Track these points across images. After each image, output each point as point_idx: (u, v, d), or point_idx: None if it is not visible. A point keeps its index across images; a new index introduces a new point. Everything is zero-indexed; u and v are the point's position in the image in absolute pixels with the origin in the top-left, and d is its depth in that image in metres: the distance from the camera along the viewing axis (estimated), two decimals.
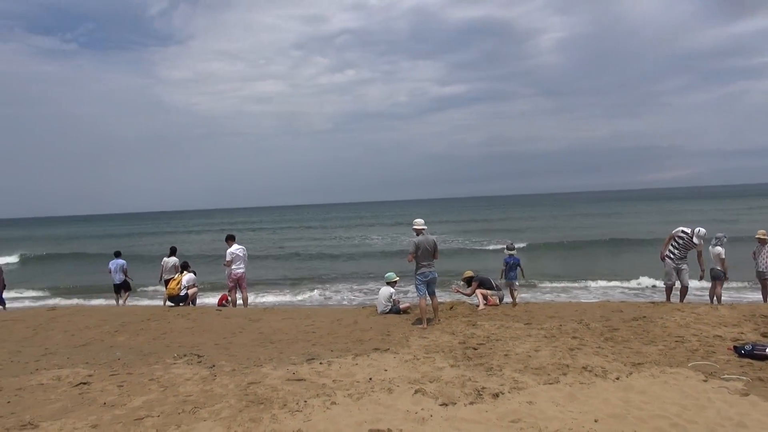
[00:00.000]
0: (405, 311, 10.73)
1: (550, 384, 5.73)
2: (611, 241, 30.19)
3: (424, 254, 9.22)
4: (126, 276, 15.13)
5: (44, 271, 28.95)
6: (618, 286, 17.53)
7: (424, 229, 9.37)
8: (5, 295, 15.13)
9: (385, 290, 10.92)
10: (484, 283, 11.28)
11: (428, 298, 9.44)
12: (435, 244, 9.38)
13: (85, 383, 6.26)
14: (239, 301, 13.14)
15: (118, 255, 15.40)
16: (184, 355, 7.57)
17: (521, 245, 29.98)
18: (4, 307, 14.49)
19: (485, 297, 11.00)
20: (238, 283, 13.01)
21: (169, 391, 5.82)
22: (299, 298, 18.66)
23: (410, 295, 14.41)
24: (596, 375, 6.01)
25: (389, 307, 10.73)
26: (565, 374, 6.06)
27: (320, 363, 6.87)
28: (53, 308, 13.56)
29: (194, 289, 13.30)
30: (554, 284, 18.09)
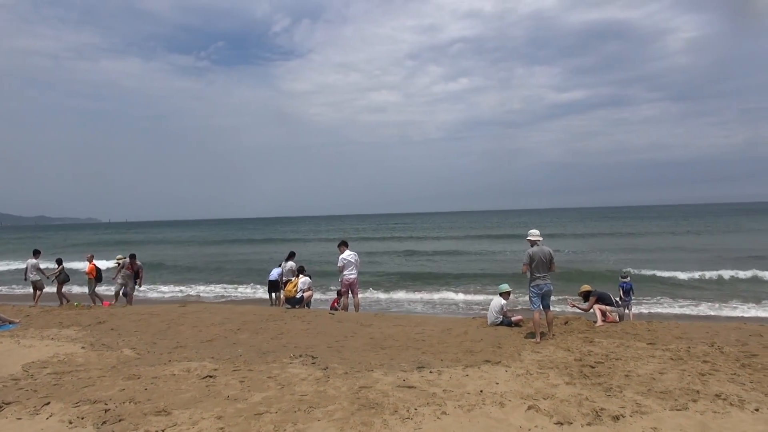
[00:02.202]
0: (517, 324, 10.44)
1: (678, 410, 5.31)
2: (750, 259, 27.49)
3: (540, 266, 8.93)
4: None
5: (178, 271, 31.49)
6: (753, 307, 15.86)
7: (539, 240, 9.09)
8: (143, 288, 16.64)
9: (497, 301, 10.68)
10: (603, 299, 10.71)
11: (542, 311, 9.12)
12: (551, 255, 9.06)
13: (211, 376, 6.71)
14: (350, 306, 13.48)
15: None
16: (300, 356, 7.88)
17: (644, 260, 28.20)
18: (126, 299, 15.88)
19: (604, 313, 10.45)
20: (351, 288, 13.36)
21: (286, 390, 6.08)
22: (409, 301, 18.81)
23: (521, 306, 14.03)
24: (731, 404, 5.48)
25: (500, 318, 10.49)
26: (695, 401, 5.58)
27: (430, 372, 6.87)
28: (183, 305, 14.69)
29: (310, 293, 13.84)
30: (680, 302, 16.76)
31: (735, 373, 6.67)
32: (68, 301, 16.45)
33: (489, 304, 10.98)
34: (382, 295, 19.77)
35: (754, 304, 15.95)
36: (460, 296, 18.98)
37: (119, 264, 15.83)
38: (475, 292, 19.50)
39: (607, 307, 10.59)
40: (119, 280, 15.69)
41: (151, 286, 23.29)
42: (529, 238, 9.16)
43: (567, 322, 10.36)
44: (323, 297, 18.10)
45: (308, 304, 13.89)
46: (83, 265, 17.50)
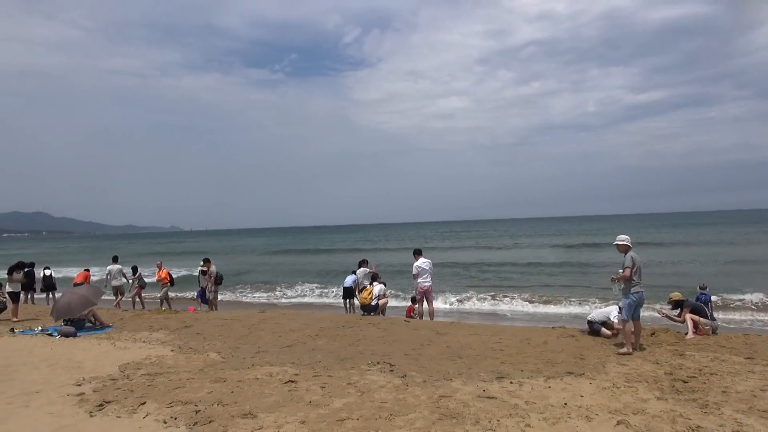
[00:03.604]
0: (607, 336, 9.98)
1: None
2: None
3: (638, 272, 8.56)
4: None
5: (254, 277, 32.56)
6: None
7: (630, 246, 8.75)
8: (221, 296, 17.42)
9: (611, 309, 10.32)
10: (696, 310, 10.12)
11: (633, 322, 8.69)
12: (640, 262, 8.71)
13: (292, 381, 6.86)
14: (425, 314, 13.45)
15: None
16: (377, 363, 7.92)
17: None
18: (209, 307, 16.52)
19: (696, 325, 9.87)
20: (425, 296, 13.34)
21: (366, 396, 6.12)
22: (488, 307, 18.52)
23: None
24: None
25: (596, 325, 10.15)
26: None
27: (510, 382, 6.72)
28: (263, 311, 15.14)
29: (384, 300, 13.91)
30: None
31: None
32: (143, 306, 17.48)
33: (562, 315, 10.65)
34: (449, 306, 19.47)
35: None
36: (530, 307, 18.42)
37: (204, 272, 16.52)
38: (547, 302, 18.86)
39: (701, 319, 10.00)
40: (211, 288, 16.44)
41: (231, 293, 24.20)
42: (626, 242, 8.77)
43: (654, 333, 9.87)
44: (397, 305, 18.14)
45: (383, 312, 13.97)
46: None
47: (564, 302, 18.40)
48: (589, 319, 10.42)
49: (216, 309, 16.52)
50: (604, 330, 10.01)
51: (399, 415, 5.44)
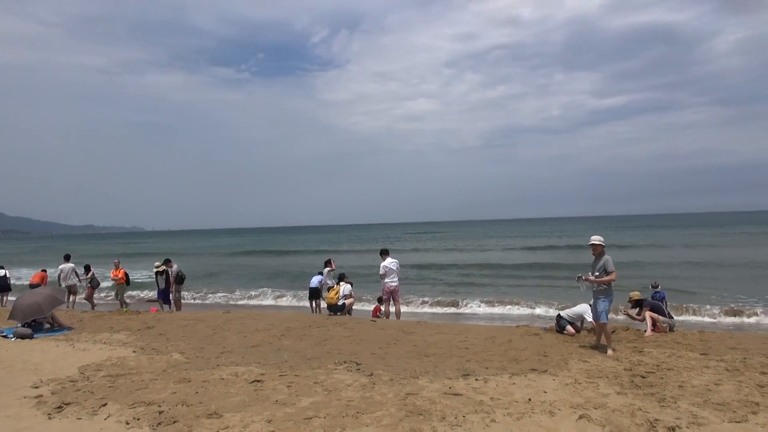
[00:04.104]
0: (570, 334, 10.20)
1: (737, 422, 5.13)
2: None
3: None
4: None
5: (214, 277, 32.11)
6: None
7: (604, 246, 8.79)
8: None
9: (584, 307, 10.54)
10: (655, 308, 10.44)
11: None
12: None
13: (258, 381, 6.81)
14: (392, 313, 13.50)
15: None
16: (344, 362, 7.92)
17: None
18: (170, 307, 16.27)
19: (654, 323, 10.17)
20: (392, 296, 13.39)
21: (333, 395, 6.12)
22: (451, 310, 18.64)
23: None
24: None
25: (565, 322, 10.38)
26: (755, 413, 5.38)
27: (476, 379, 6.81)
28: (228, 311, 14.95)
29: (351, 300, 13.91)
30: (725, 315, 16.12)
31: None
32: (93, 307, 17.09)
33: (527, 316, 10.83)
34: (415, 309, 19.38)
35: None
36: (496, 309, 18.46)
37: (160, 272, 16.25)
38: (511, 303, 18.92)
39: (660, 317, 10.31)
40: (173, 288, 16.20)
41: (194, 295, 23.80)
42: (602, 243, 8.70)
43: (614, 331, 10.10)
44: (361, 308, 18.14)
45: (350, 311, 13.97)
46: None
47: (528, 303, 18.61)
48: (560, 314, 10.59)
49: (180, 309, 16.26)
50: (569, 327, 10.23)
51: (366, 413, 5.46)
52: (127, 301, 17.87)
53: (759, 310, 15.75)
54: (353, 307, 14.40)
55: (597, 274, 8.51)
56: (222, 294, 24.08)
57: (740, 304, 17.15)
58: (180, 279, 16.37)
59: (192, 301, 22.49)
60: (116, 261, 18.07)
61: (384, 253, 13.63)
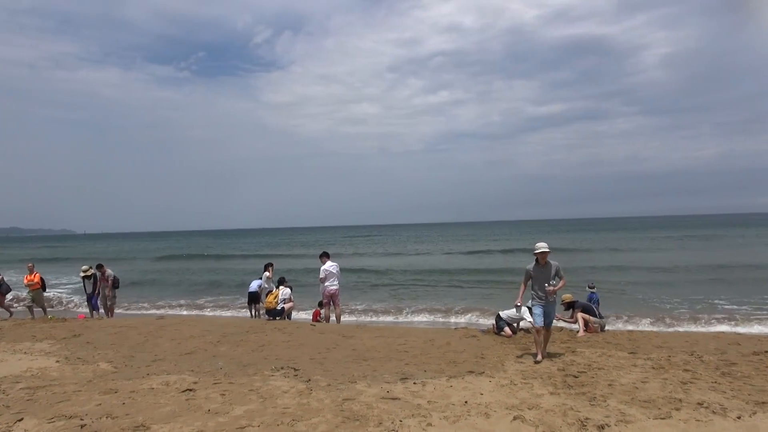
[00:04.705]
0: (507, 335, 10.40)
1: (662, 419, 5.33)
2: (719, 268, 27.90)
3: None
4: None
5: (149, 283, 30.98)
6: (728, 311, 15.94)
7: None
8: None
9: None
10: (586, 309, 10.79)
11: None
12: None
13: (191, 390, 6.56)
14: (332, 318, 13.38)
15: None
16: (281, 368, 7.76)
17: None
18: (97, 312, 15.56)
19: (586, 323, 10.51)
20: (332, 300, 13.26)
21: (268, 403, 5.97)
22: (389, 318, 18.57)
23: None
24: (714, 412, 5.52)
25: (503, 323, 10.57)
26: (678, 409, 5.61)
27: (414, 383, 6.81)
28: (161, 318, 14.43)
29: (290, 304, 13.69)
30: (658, 313, 16.86)
31: (716, 382, 6.74)
32: (11, 313, 16.05)
33: (466, 318, 10.96)
34: (353, 317, 19.04)
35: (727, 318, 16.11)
36: (438, 316, 18.32)
37: (88, 277, 15.51)
38: (449, 309, 18.85)
39: (591, 318, 10.65)
40: (109, 293, 15.46)
41: (125, 302, 22.75)
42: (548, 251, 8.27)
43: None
44: (301, 315, 17.87)
45: (289, 316, 13.75)
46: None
47: (467, 306, 18.74)
48: (500, 314, 10.73)
49: (112, 316, 15.56)
50: (506, 329, 10.42)
51: (302, 420, 5.34)
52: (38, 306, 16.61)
53: (683, 310, 16.55)
54: (293, 311, 14.17)
55: (554, 282, 8.26)
56: (155, 300, 23.14)
57: (666, 305, 17.96)
58: (115, 284, 15.68)
59: (121, 311, 21.45)
60: (30, 265, 16.84)
61: (324, 257, 13.50)
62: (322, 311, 13.67)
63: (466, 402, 5.92)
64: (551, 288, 8.14)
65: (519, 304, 8.73)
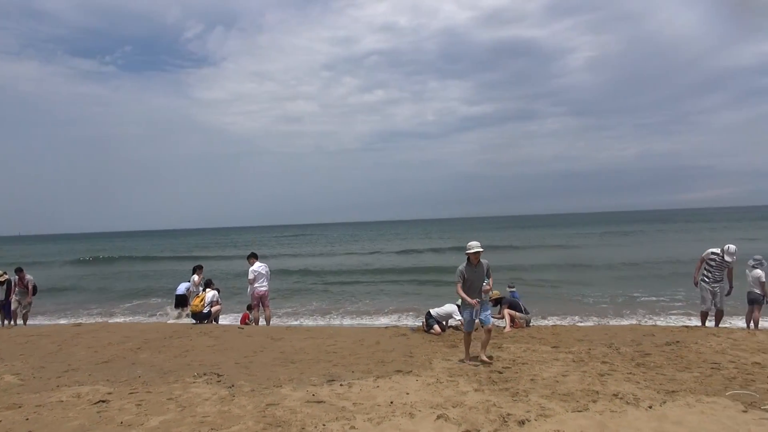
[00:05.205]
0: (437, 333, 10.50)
1: (579, 411, 5.49)
2: (638, 263, 29.41)
3: None
4: None
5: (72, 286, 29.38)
6: (645, 304, 16.79)
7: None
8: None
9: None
10: (513, 306, 11.04)
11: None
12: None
13: (104, 401, 6.21)
14: (261, 320, 13.10)
15: None
16: (204, 374, 7.49)
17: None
18: (10, 321, 14.62)
19: (513, 319, 10.75)
20: (261, 301, 12.99)
21: (187, 411, 5.73)
22: (322, 319, 18.36)
23: None
24: (628, 403, 5.74)
25: (433, 321, 10.65)
26: (594, 401, 5.80)
27: (341, 385, 6.73)
28: (79, 324, 13.67)
29: (218, 307, 13.29)
30: (581, 306, 17.53)
31: (631, 372, 7.03)
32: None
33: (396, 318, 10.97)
34: (281, 321, 18.64)
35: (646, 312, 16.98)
36: (366, 318, 18.16)
37: (1, 283, 14.50)
38: (377, 310, 18.65)
39: (517, 314, 10.90)
40: (16, 297, 14.45)
41: (43, 309, 21.43)
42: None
43: (476, 329, 10.53)
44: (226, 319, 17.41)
45: (216, 319, 13.35)
46: None
47: (397, 306, 18.75)
48: (430, 312, 10.81)
49: (25, 323, 14.61)
50: (436, 327, 10.51)
51: (221, 428, 5.16)
52: None
53: (604, 305, 17.29)
54: (220, 314, 13.75)
55: (488, 281, 8.11)
56: (73, 307, 21.88)
57: (589, 299, 18.71)
58: (34, 290, 14.74)
59: (36, 321, 20.14)
60: None
61: (252, 257, 13.20)
62: (251, 314, 13.37)
63: (391, 402, 5.89)
64: (487, 287, 8.04)
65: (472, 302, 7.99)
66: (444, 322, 10.69)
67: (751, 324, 10.68)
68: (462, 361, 8.08)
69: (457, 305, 10.61)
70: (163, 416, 5.58)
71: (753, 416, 5.30)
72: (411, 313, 16.92)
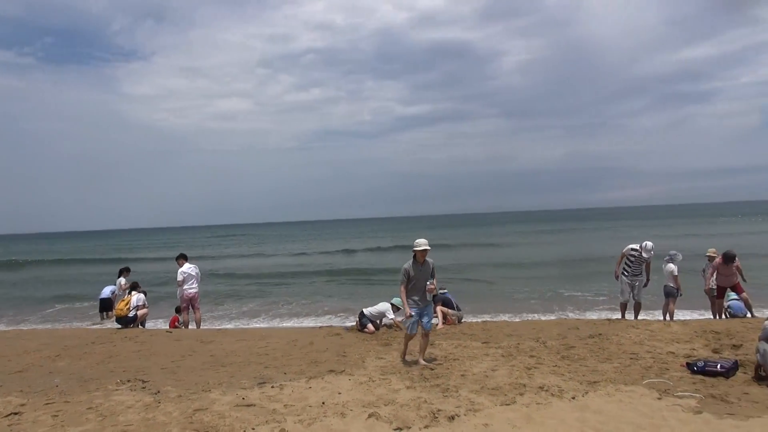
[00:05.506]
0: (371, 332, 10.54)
1: (507, 405, 5.64)
2: (567, 260, 30.63)
3: None
4: None
5: None
6: (572, 299, 17.48)
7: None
8: None
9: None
10: (446, 303, 11.23)
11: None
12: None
13: (16, 413, 5.85)
14: (192, 323, 12.72)
15: None
16: (128, 381, 7.18)
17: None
18: None
19: (445, 316, 10.93)
20: (191, 304, 12.61)
21: (108, 421, 5.47)
22: (255, 319, 18.02)
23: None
24: (552, 395, 5.95)
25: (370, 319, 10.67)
26: (521, 394, 5.97)
27: (272, 387, 6.62)
28: None
29: (144, 311, 12.77)
30: (511, 304, 18.04)
31: (556, 365, 7.28)
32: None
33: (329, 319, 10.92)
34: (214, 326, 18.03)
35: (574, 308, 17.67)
36: (301, 320, 17.93)
37: None
38: (310, 312, 18.40)
39: (449, 310, 11.08)
40: None
41: None
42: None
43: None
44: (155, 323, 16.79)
45: (143, 324, 12.84)
46: None
47: (332, 306, 18.63)
48: (363, 311, 10.80)
49: None
50: (369, 326, 10.52)
51: None
52: None
53: (533, 301, 17.87)
54: (146, 318, 13.23)
55: (431, 281, 7.72)
56: None
57: (519, 294, 19.29)
58: None
59: None
60: None
61: (181, 258, 12.79)
62: (181, 317, 12.95)
63: (323, 403, 5.85)
64: (432, 286, 7.75)
65: (410, 313, 7.76)
66: (377, 321, 10.73)
67: (667, 316, 11.33)
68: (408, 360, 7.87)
69: (392, 303, 10.68)
70: (82, 427, 5.32)
71: (666, 403, 5.61)
72: (345, 313, 16.87)
